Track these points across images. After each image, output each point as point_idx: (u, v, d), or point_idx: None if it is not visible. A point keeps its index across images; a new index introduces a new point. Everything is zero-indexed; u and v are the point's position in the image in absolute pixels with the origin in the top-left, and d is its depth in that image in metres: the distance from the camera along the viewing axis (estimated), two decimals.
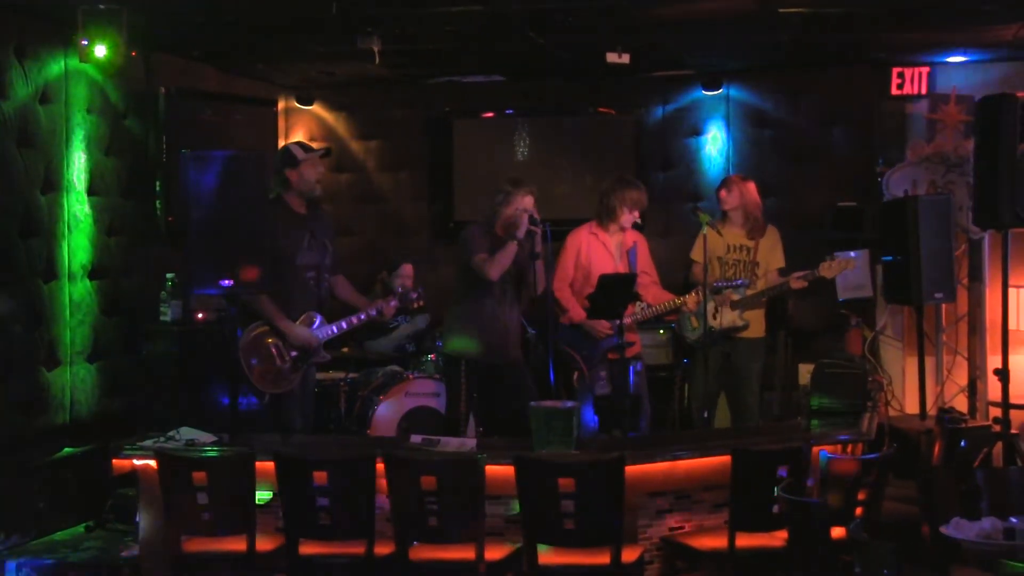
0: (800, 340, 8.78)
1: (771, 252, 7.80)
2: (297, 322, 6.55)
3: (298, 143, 7.09)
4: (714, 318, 7.47)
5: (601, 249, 7.44)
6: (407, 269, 8.44)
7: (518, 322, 7.01)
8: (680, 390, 8.15)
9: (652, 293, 7.50)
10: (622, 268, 7.37)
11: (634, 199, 7.40)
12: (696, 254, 7.84)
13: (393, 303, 6.82)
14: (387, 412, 7.59)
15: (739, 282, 7.55)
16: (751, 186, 7.84)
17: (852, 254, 7.64)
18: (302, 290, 6.63)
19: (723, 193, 7.76)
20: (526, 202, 6.78)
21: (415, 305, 7.01)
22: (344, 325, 6.66)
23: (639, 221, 7.55)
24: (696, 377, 7.79)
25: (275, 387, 6.49)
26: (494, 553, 5.24)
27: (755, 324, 7.74)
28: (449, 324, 7.05)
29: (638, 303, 7.30)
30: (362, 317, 6.72)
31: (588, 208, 7.69)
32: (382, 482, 5.31)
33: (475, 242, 6.80)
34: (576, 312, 7.34)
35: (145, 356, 7.83)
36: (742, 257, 7.75)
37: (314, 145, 7.37)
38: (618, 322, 6.74)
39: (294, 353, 6.52)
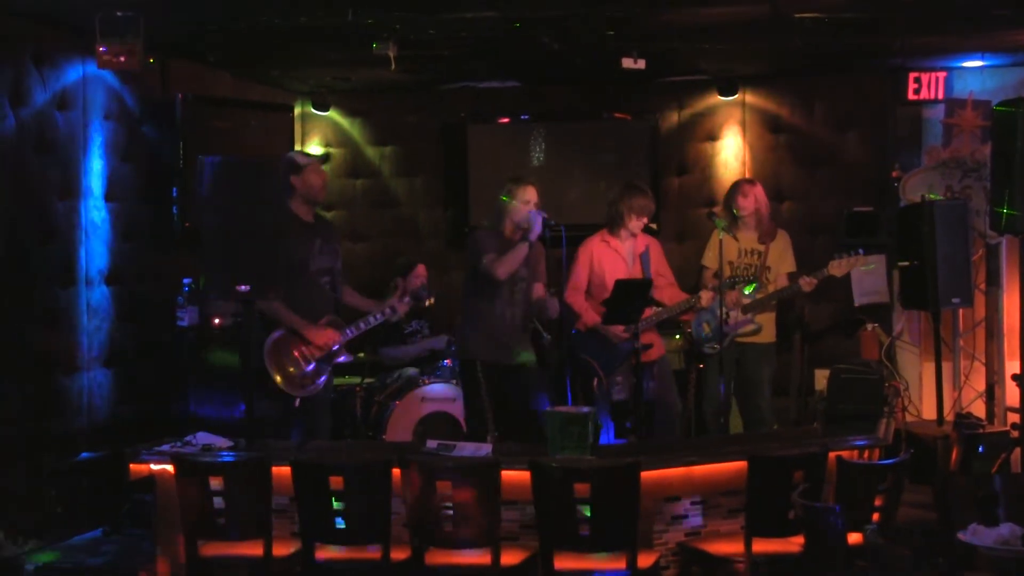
0: (816, 345, 8.76)
1: (782, 257, 7.79)
2: (317, 326, 6.63)
3: (298, 152, 7.13)
4: (726, 323, 7.46)
5: (613, 256, 7.45)
6: (420, 269, 8.46)
7: (529, 324, 7.03)
8: (695, 395, 8.14)
9: (668, 295, 7.51)
10: (636, 273, 7.38)
11: (641, 205, 7.43)
12: (708, 260, 7.84)
13: (407, 299, 6.87)
14: (403, 417, 7.60)
15: (752, 286, 7.58)
16: (761, 188, 7.88)
17: (862, 251, 7.62)
18: (319, 295, 6.72)
19: (741, 200, 7.75)
20: (529, 193, 6.82)
21: (427, 303, 7.07)
22: (363, 325, 6.73)
23: (654, 227, 7.55)
24: (709, 382, 7.78)
25: (303, 390, 6.57)
26: (510, 558, 5.24)
27: (766, 329, 7.74)
28: (461, 328, 7.07)
29: (651, 308, 7.31)
30: (378, 317, 6.78)
31: (603, 213, 7.70)
32: (398, 487, 5.32)
33: (483, 244, 6.84)
34: (590, 316, 7.35)
35: (162, 361, 7.86)
36: (753, 261, 7.75)
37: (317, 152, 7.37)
38: (634, 327, 6.74)
39: (317, 355, 6.59)
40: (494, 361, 6.85)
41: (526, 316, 6.97)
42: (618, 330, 7.24)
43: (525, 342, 6.97)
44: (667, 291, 7.51)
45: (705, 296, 7.39)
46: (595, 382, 7.33)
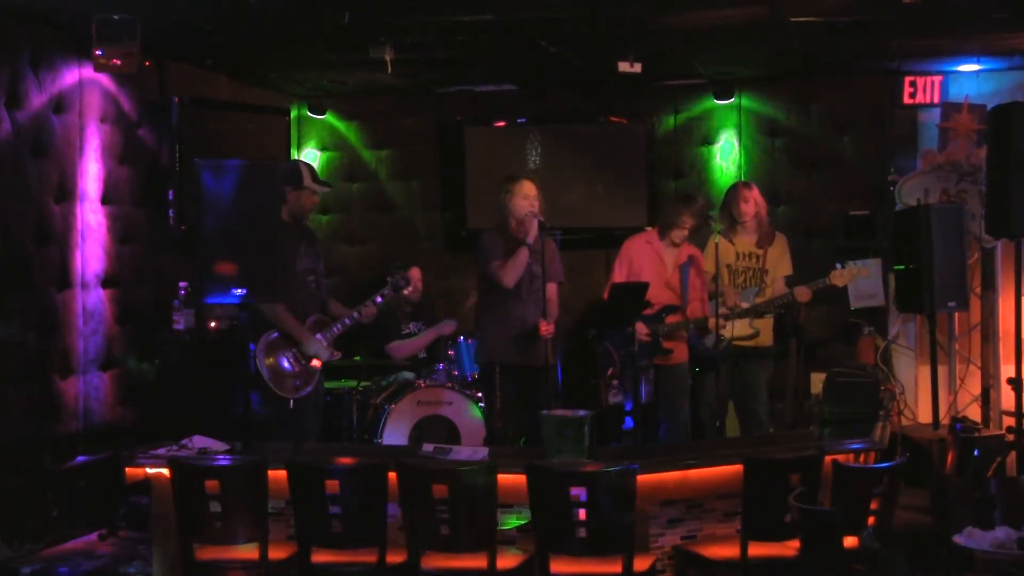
0: (812, 349, 8.76)
1: (779, 260, 7.82)
2: (305, 326, 6.67)
3: (310, 167, 7.09)
4: (724, 327, 7.47)
5: (655, 258, 7.55)
6: (415, 272, 8.46)
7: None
8: (691, 398, 8.14)
9: (693, 310, 7.55)
10: (674, 280, 7.53)
11: (684, 217, 7.53)
12: (706, 263, 7.84)
13: (387, 291, 6.90)
14: (399, 421, 7.60)
15: (754, 290, 7.63)
16: (758, 191, 7.91)
17: (865, 262, 7.64)
18: (306, 294, 6.76)
19: (743, 205, 7.77)
20: (527, 188, 6.86)
21: (406, 291, 7.10)
22: (347, 322, 6.77)
23: (649, 229, 7.59)
24: (706, 386, 7.79)
25: (295, 391, 6.60)
26: (506, 562, 5.24)
27: (763, 333, 7.76)
28: (481, 332, 7.14)
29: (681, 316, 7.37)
30: (358, 314, 6.80)
31: (599, 216, 7.73)
32: (394, 490, 5.32)
33: (491, 249, 6.89)
34: None
35: (158, 365, 7.86)
36: (751, 265, 7.77)
37: (322, 178, 7.30)
38: (655, 331, 6.85)
39: (308, 358, 6.63)
40: (513, 363, 6.89)
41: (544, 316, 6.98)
42: (641, 331, 7.27)
43: (544, 342, 6.97)
44: (694, 306, 7.56)
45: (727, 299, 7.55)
46: (609, 372, 7.38)
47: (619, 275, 7.61)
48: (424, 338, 8.38)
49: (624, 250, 7.70)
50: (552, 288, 7.01)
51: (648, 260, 7.56)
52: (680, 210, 7.56)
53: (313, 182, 6.93)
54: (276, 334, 6.62)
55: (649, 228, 7.80)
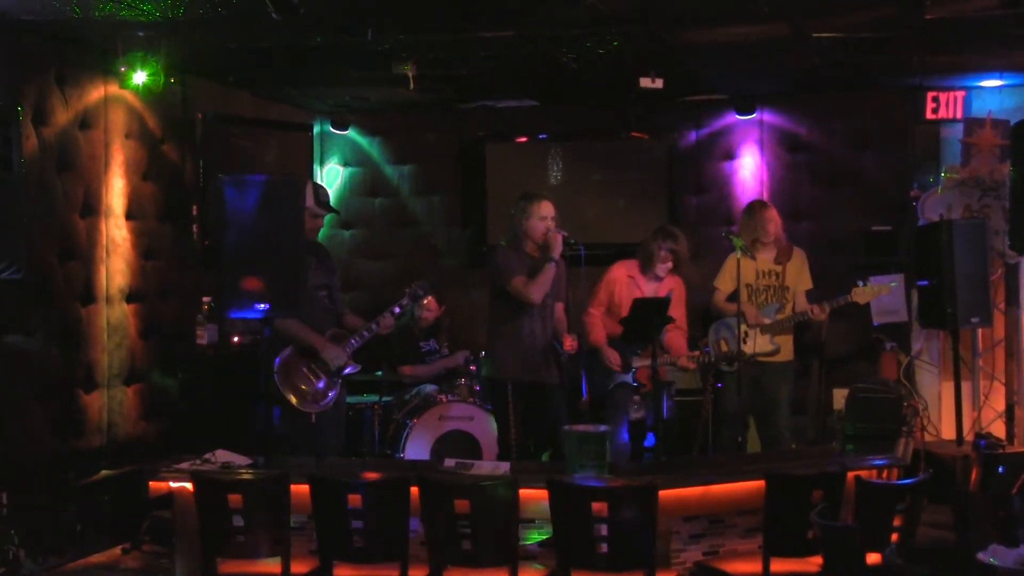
0: (834, 365, 8.73)
1: (799, 275, 7.81)
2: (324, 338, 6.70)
3: (318, 188, 6.97)
4: (745, 343, 7.46)
5: (637, 292, 7.45)
6: (431, 304, 8.45)
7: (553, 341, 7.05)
8: (711, 414, 8.12)
9: (674, 339, 7.50)
10: None
11: (669, 249, 7.47)
12: (722, 282, 7.81)
13: (405, 301, 6.89)
14: (421, 436, 7.60)
15: (776, 306, 7.61)
16: (774, 208, 7.90)
17: (888, 279, 7.61)
18: (319, 308, 6.72)
19: (772, 227, 7.72)
20: (545, 208, 6.82)
21: (424, 301, 7.09)
22: (365, 334, 6.74)
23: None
24: (727, 401, 7.77)
25: (316, 406, 6.60)
26: None
27: (784, 348, 7.74)
28: (490, 347, 7.08)
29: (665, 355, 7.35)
30: (376, 325, 6.77)
31: (621, 232, 7.70)
32: (416, 505, 5.33)
33: (509, 265, 6.82)
34: (594, 336, 7.38)
35: (181, 379, 7.90)
36: (772, 282, 7.75)
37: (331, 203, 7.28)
38: (633, 359, 6.83)
39: (326, 369, 6.63)
40: (524, 380, 6.86)
41: (552, 334, 6.96)
42: (614, 360, 7.28)
43: (552, 360, 6.96)
44: (673, 334, 7.48)
45: (692, 360, 7.56)
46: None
47: (600, 301, 7.54)
48: (436, 366, 8.39)
49: (608, 277, 7.61)
50: (560, 307, 7.00)
51: (628, 294, 7.46)
52: (661, 245, 7.48)
53: (316, 204, 6.82)
54: (290, 349, 6.62)
55: (629, 260, 7.65)
